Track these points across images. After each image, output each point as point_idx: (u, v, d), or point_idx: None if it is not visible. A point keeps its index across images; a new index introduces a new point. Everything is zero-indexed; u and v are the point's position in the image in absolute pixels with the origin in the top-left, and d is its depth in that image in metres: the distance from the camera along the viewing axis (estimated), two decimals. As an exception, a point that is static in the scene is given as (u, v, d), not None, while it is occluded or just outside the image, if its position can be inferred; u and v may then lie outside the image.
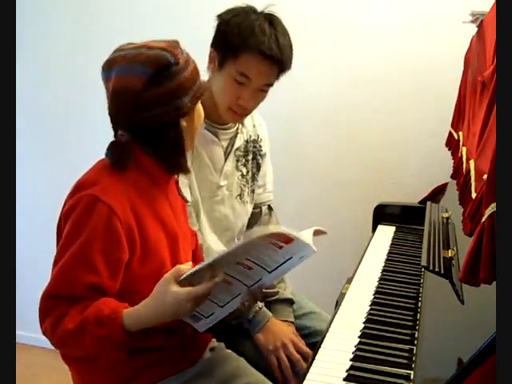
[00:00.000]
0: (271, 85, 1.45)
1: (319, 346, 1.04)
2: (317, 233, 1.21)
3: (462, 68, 1.81)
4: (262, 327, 1.40)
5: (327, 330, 1.11)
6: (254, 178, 1.62)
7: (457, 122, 1.78)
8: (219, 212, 1.52)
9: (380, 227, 1.82)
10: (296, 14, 2.08)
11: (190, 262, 1.10)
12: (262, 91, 1.44)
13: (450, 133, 1.86)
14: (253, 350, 1.39)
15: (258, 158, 1.63)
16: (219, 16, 1.43)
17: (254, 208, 1.66)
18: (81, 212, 1.08)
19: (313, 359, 1.00)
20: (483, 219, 0.76)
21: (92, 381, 1.22)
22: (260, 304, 1.42)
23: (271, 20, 1.40)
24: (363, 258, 1.53)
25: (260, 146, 1.64)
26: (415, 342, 1.03)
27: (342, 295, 1.31)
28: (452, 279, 1.07)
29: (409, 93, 2.10)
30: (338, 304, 1.25)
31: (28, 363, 2.38)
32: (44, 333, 1.11)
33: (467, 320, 0.93)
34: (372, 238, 1.72)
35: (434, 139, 2.02)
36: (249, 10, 1.42)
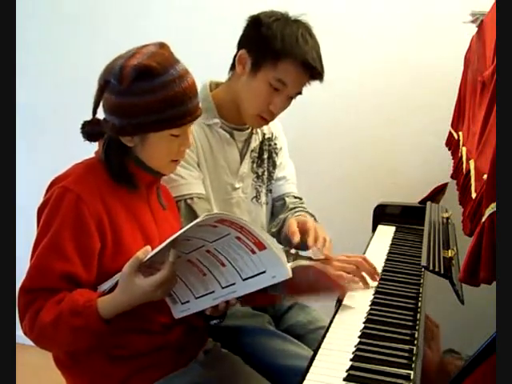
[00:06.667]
0: (301, 93, 1.44)
1: (319, 346, 1.04)
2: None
3: (462, 68, 1.81)
4: None
5: (327, 330, 1.11)
6: (270, 178, 1.60)
7: (457, 122, 1.78)
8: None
9: (380, 227, 1.82)
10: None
11: (148, 247, 1.07)
12: (291, 98, 1.43)
13: (450, 133, 1.86)
14: (250, 349, 1.37)
15: (274, 156, 1.61)
16: (256, 18, 1.39)
17: (277, 200, 1.63)
18: (52, 204, 1.11)
19: (313, 359, 0.99)
20: (483, 219, 0.76)
21: None
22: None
23: (310, 32, 1.40)
24: (363, 258, 1.53)
25: (275, 144, 1.61)
26: (415, 342, 1.03)
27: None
28: (452, 279, 1.07)
29: (409, 93, 2.10)
30: (338, 304, 1.25)
31: (28, 363, 2.38)
32: (24, 331, 1.10)
33: (467, 320, 0.93)
34: (372, 237, 1.72)
35: (434, 139, 2.03)
36: (287, 17, 1.40)
